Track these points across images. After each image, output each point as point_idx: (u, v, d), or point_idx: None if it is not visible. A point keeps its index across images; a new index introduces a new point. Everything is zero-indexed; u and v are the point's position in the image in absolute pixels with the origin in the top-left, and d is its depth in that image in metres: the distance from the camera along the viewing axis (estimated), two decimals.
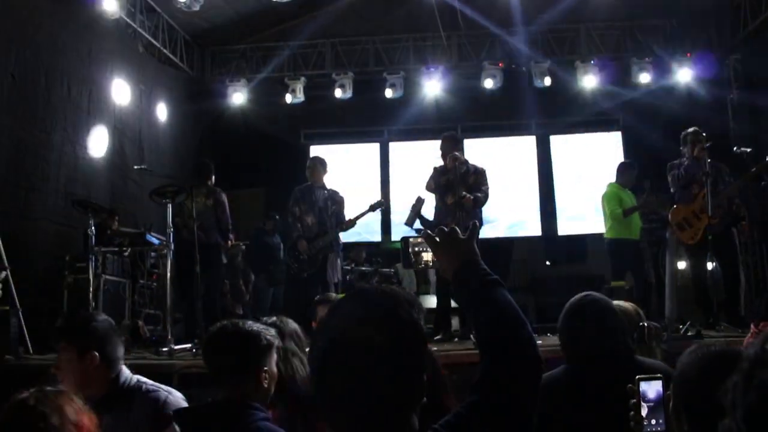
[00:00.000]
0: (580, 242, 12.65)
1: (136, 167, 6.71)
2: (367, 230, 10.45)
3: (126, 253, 6.35)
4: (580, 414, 2.26)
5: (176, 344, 5.77)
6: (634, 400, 1.78)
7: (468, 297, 1.57)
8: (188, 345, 5.85)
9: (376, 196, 10.80)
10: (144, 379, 2.85)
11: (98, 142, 8.05)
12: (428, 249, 1.80)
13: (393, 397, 1.24)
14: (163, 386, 2.86)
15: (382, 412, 1.23)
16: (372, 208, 6.75)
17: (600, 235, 10.70)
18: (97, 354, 2.68)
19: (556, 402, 2.32)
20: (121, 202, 8.01)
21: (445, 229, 1.68)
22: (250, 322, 2.34)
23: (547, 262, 14.11)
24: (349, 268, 8.22)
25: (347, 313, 1.29)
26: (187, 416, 2.18)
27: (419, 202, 7.52)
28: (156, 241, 5.85)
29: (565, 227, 10.92)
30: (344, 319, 1.28)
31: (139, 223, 7.10)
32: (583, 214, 10.87)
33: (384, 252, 10.12)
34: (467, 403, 1.38)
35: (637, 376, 1.81)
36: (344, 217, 6.83)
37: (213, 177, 6.74)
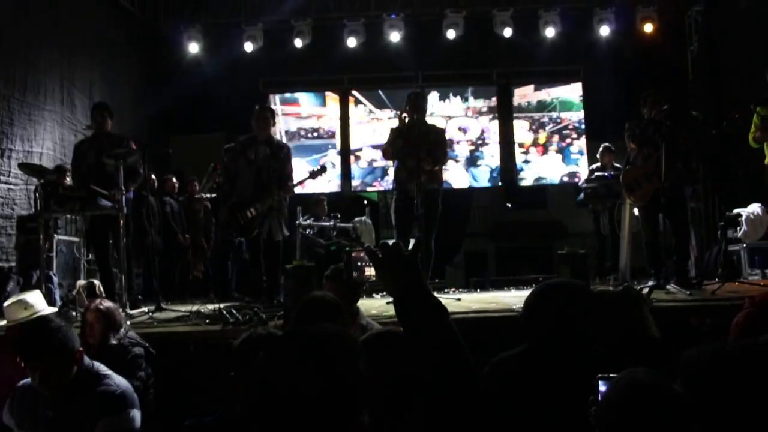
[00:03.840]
0: (540, 191, 12.73)
1: (86, 126, 6.43)
2: (325, 179, 10.32)
3: (77, 217, 6.17)
4: (535, 398, 2.28)
5: (132, 308, 5.75)
6: (593, 397, 1.82)
7: (410, 322, 1.58)
8: (144, 309, 5.80)
9: (336, 144, 10.74)
10: (99, 365, 2.94)
11: (45, 97, 7.74)
12: (370, 264, 1.81)
13: None
14: (113, 374, 2.91)
15: None
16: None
17: (560, 184, 10.84)
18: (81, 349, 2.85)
19: (511, 384, 2.34)
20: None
21: (389, 243, 1.69)
22: None
23: (508, 204, 14.24)
24: (307, 222, 8.05)
25: (283, 362, 1.28)
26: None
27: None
28: (108, 204, 5.67)
29: (525, 178, 10.96)
30: (278, 367, 1.28)
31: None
32: (544, 164, 10.89)
33: (345, 203, 10.04)
34: None
35: (598, 375, 1.81)
36: (288, 175, 5.93)
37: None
